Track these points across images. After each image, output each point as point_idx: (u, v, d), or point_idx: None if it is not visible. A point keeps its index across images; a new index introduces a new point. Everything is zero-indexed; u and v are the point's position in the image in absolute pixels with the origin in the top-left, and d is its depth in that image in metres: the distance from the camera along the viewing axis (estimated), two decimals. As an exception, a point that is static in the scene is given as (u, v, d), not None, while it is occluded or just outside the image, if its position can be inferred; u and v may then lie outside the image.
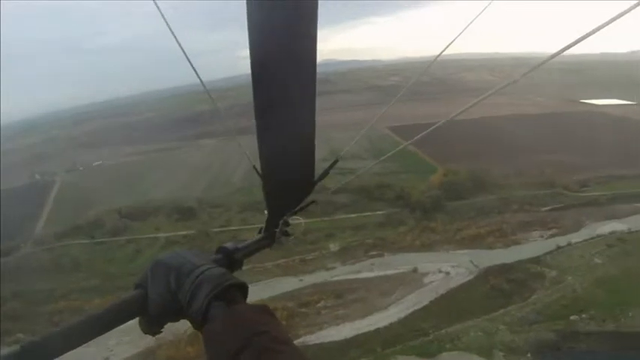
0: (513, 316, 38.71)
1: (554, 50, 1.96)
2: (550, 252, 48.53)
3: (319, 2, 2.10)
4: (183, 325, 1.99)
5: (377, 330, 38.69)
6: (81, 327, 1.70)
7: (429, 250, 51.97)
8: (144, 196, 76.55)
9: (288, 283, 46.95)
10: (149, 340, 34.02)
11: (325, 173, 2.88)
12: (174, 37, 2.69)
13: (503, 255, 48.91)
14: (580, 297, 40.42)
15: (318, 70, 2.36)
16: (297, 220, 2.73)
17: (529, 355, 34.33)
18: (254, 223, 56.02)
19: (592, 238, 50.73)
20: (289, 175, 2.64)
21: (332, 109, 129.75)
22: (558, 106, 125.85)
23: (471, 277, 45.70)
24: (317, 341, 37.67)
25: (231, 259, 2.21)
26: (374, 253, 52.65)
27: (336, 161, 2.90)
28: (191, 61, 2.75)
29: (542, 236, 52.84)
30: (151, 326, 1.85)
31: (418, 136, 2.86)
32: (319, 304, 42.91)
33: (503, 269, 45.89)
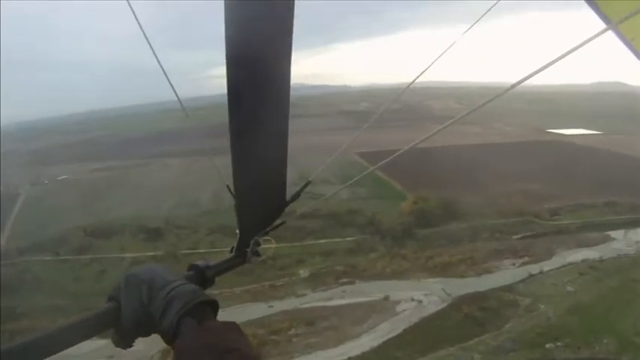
0: (488, 344, 38.15)
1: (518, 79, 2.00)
2: (522, 280, 48.46)
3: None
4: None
5: (349, 359, 37.57)
6: (52, 338, 1.65)
7: (400, 278, 51.20)
8: (109, 214, 74.45)
9: (258, 309, 45.49)
10: None
11: (297, 195, 2.87)
12: (154, 53, 2.69)
13: (475, 283, 48.57)
14: (554, 325, 40.23)
15: None
16: (268, 241, 2.69)
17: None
18: (222, 247, 54.73)
19: (564, 266, 51.00)
20: (262, 196, 2.67)
21: (302, 132, 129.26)
22: (526, 135, 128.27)
23: (444, 305, 45.09)
24: (288, 371, 36.35)
25: (203, 277, 2.20)
26: (345, 280, 51.63)
27: (308, 183, 2.92)
28: (164, 78, 2.74)
29: (513, 264, 52.79)
30: (123, 339, 1.83)
31: (384, 161, 2.87)
32: (290, 332, 41.55)
33: (476, 297, 45.45)
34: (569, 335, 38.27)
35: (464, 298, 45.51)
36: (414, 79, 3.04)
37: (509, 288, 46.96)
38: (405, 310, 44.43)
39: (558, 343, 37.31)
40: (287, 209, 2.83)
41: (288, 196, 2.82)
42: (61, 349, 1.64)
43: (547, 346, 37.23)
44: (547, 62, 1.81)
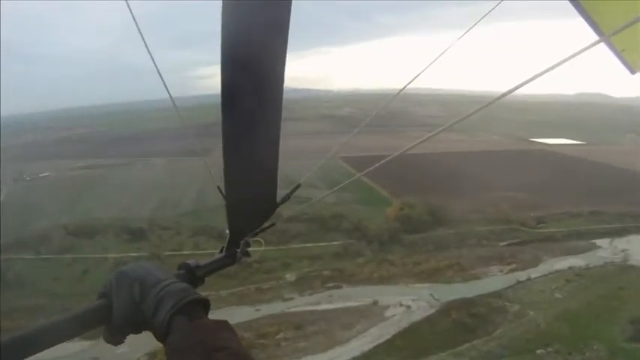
0: (479, 350, 38.09)
1: (505, 89, 2.00)
2: (510, 286, 48.67)
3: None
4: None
5: (339, 365, 37.15)
6: (41, 334, 1.62)
7: (387, 283, 50.99)
8: (92, 213, 73.10)
9: (245, 313, 44.78)
10: None
11: (287, 197, 2.82)
12: (149, 52, 2.62)
13: (463, 289, 48.56)
14: (544, 331, 40.35)
15: None
16: (257, 242, 2.66)
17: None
18: (207, 249, 54.10)
19: (551, 274, 51.44)
20: (252, 197, 2.66)
21: (287, 136, 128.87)
22: (511, 144, 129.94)
23: (433, 310, 44.97)
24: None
25: (193, 276, 2.16)
26: (331, 284, 51.27)
27: (298, 186, 2.89)
28: (155, 76, 2.67)
29: (501, 271, 53.00)
30: (114, 336, 1.82)
31: (371, 168, 2.84)
32: (278, 336, 41.03)
33: (465, 303, 45.41)
34: (559, 341, 38.38)
35: (452, 303, 45.40)
36: (405, 85, 3.04)
37: (497, 294, 47.06)
38: (394, 316, 44.15)
39: (549, 349, 37.43)
40: (274, 213, 2.83)
41: (278, 199, 2.79)
42: (50, 346, 1.61)
43: (538, 351, 37.31)
44: (537, 73, 1.79)
